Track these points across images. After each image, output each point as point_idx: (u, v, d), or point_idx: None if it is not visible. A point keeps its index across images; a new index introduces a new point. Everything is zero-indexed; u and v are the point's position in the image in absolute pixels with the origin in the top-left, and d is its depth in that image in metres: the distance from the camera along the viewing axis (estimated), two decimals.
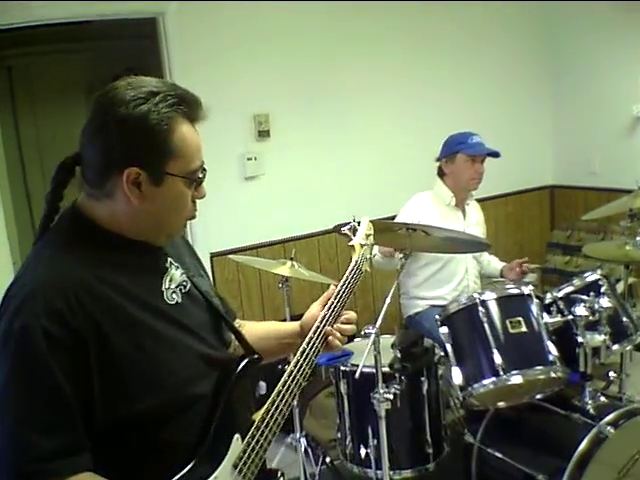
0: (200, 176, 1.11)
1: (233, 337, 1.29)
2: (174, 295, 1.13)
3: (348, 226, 1.55)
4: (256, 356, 1.21)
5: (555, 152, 4.51)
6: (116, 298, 1.03)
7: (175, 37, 3.10)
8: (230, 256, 3.00)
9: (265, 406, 1.15)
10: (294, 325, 1.41)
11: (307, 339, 1.24)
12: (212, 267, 3.28)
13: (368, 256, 1.48)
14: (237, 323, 1.42)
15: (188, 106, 1.08)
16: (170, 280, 1.14)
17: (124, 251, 1.09)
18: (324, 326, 1.27)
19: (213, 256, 3.28)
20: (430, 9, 3.76)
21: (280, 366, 2.17)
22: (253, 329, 1.42)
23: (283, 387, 1.17)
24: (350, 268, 1.40)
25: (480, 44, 4.03)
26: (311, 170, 3.53)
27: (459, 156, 2.87)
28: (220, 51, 3.20)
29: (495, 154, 2.88)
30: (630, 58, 3.93)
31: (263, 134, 3.36)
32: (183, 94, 1.08)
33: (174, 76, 3.08)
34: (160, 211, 1.09)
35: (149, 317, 1.06)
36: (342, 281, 1.36)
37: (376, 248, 2.83)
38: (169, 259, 1.17)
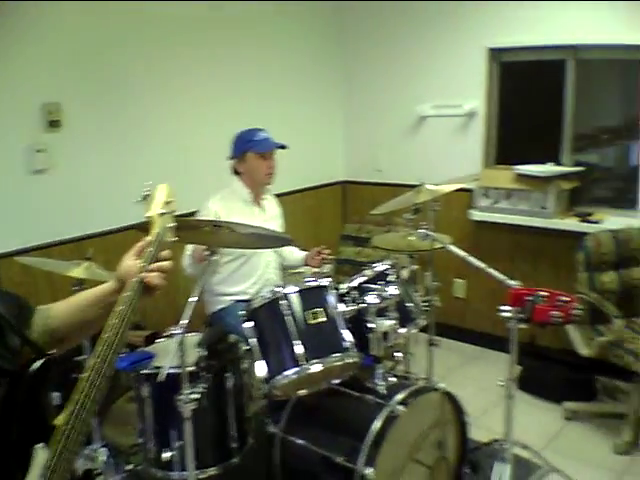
0: None
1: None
2: None
3: (142, 196, 1.37)
4: (49, 356, 1.12)
5: (346, 150, 4.79)
6: None
7: None
8: (16, 258, 2.75)
9: (69, 406, 1.06)
10: (108, 284, 1.31)
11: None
12: None
13: (170, 225, 1.31)
14: (42, 308, 1.31)
15: None
16: None
17: None
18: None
19: None
20: (227, 7, 3.76)
21: (74, 375, 2.05)
22: (68, 305, 1.32)
23: (86, 382, 1.08)
24: (152, 240, 1.25)
25: (278, 46, 4.14)
26: (107, 163, 3.35)
27: (249, 155, 2.95)
28: (2, 35, 2.90)
29: (283, 147, 2.98)
30: (413, 63, 4.31)
31: (54, 124, 3.11)
32: None
33: None
34: None
35: None
36: (144, 259, 1.23)
37: (186, 259, 2.80)
38: None
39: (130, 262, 1.25)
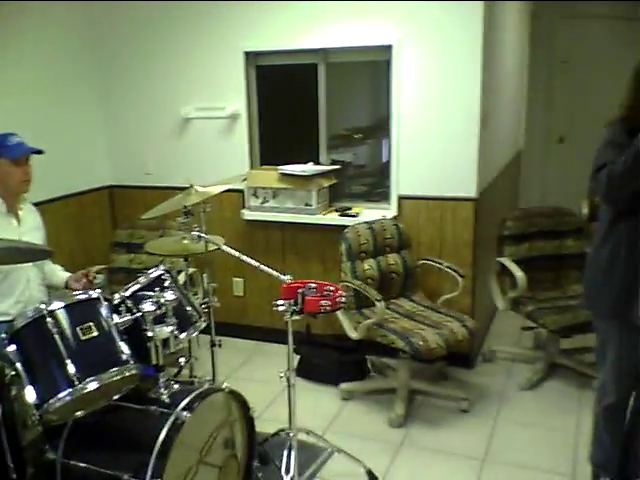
0: None
1: None
2: None
3: None
4: None
5: (112, 153, 4.58)
6: None
7: None
8: None
9: None
10: None
11: None
12: None
13: None
14: None
15: None
16: None
17: None
18: None
19: None
20: None
21: None
22: None
23: None
24: None
25: (26, 46, 3.81)
26: None
27: (2, 161, 2.70)
28: None
29: (39, 152, 2.79)
30: (175, 65, 4.26)
31: None
32: None
33: None
34: None
35: None
36: None
37: None
38: None
39: None
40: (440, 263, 3.68)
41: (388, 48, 3.72)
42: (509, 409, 3.45)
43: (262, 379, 3.72)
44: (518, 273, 3.60)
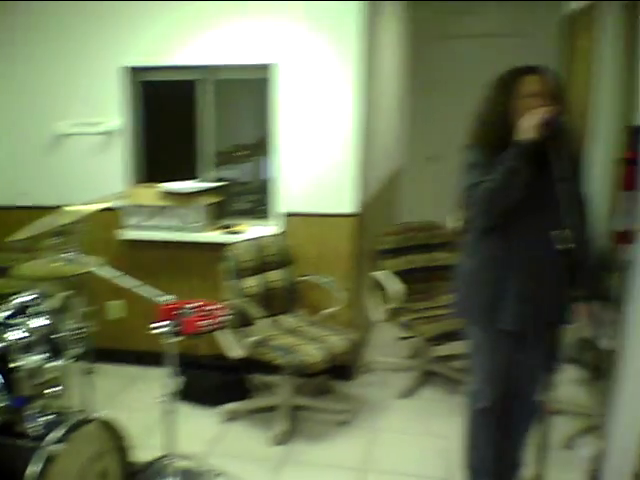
0: None
1: None
2: None
3: None
4: None
5: None
6: None
7: None
8: None
9: None
10: None
11: None
12: None
13: None
14: None
15: None
16: None
17: None
18: None
19: None
20: None
21: None
22: None
23: None
24: None
25: None
26: None
27: None
28: None
29: None
30: (49, 80, 4.09)
31: None
32: None
33: None
34: None
35: None
36: None
37: None
38: None
39: None
40: (321, 278, 3.76)
41: (268, 66, 3.78)
42: (387, 418, 3.57)
43: (142, 405, 3.62)
44: (392, 287, 3.74)
